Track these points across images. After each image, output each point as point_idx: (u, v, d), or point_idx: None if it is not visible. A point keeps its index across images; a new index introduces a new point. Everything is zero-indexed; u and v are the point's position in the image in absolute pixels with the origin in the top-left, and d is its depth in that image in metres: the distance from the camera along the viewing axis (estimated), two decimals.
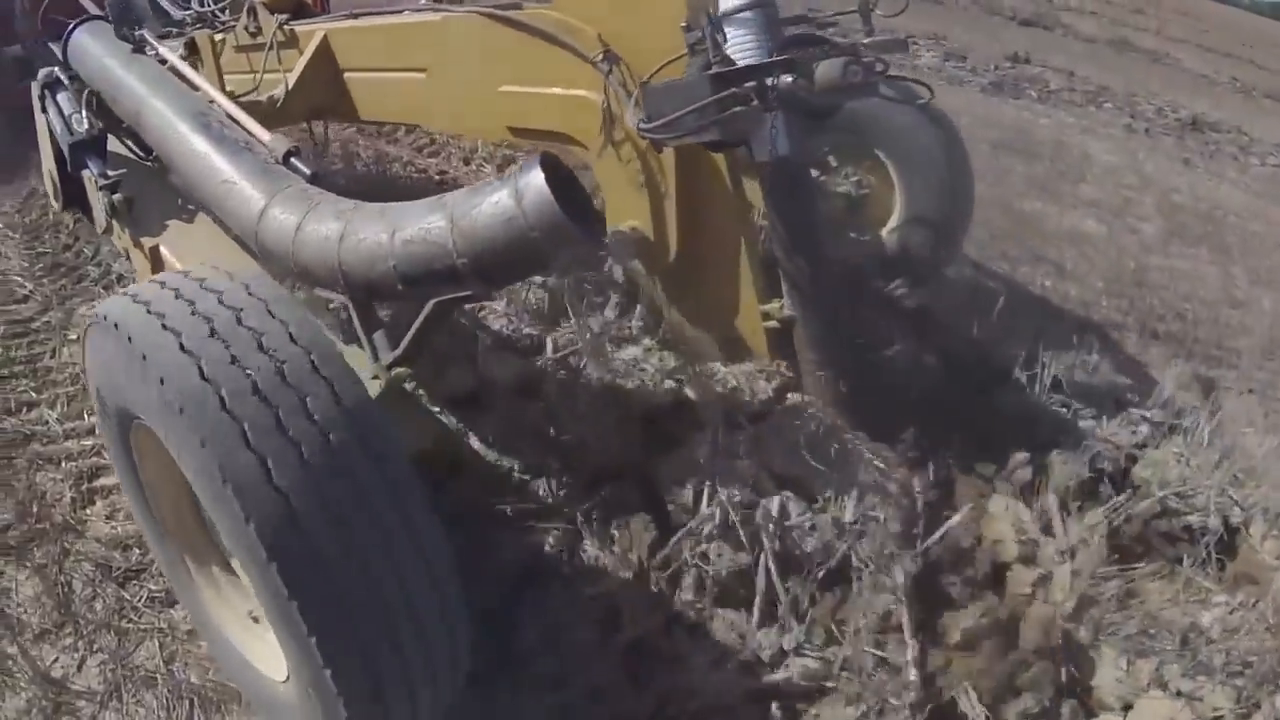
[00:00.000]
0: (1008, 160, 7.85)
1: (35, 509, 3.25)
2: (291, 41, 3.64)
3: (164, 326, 1.70)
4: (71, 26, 3.51)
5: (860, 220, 3.95)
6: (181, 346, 1.65)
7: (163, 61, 3.27)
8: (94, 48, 3.35)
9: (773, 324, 2.75)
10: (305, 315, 1.82)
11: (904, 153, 3.90)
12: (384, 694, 1.68)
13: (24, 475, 3.42)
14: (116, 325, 1.76)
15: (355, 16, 3.48)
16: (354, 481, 1.62)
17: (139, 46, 3.27)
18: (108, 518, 3.20)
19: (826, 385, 2.65)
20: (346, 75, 3.51)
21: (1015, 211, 6.71)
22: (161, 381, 1.62)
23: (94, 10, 3.77)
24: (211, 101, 2.96)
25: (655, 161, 2.68)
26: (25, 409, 3.79)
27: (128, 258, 3.40)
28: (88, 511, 3.24)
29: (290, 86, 3.45)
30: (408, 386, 2.52)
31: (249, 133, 2.74)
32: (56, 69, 3.50)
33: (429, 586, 1.71)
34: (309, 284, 2.39)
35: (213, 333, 1.68)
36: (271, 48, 3.60)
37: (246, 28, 3.79)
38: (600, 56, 2.54)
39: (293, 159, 2.57)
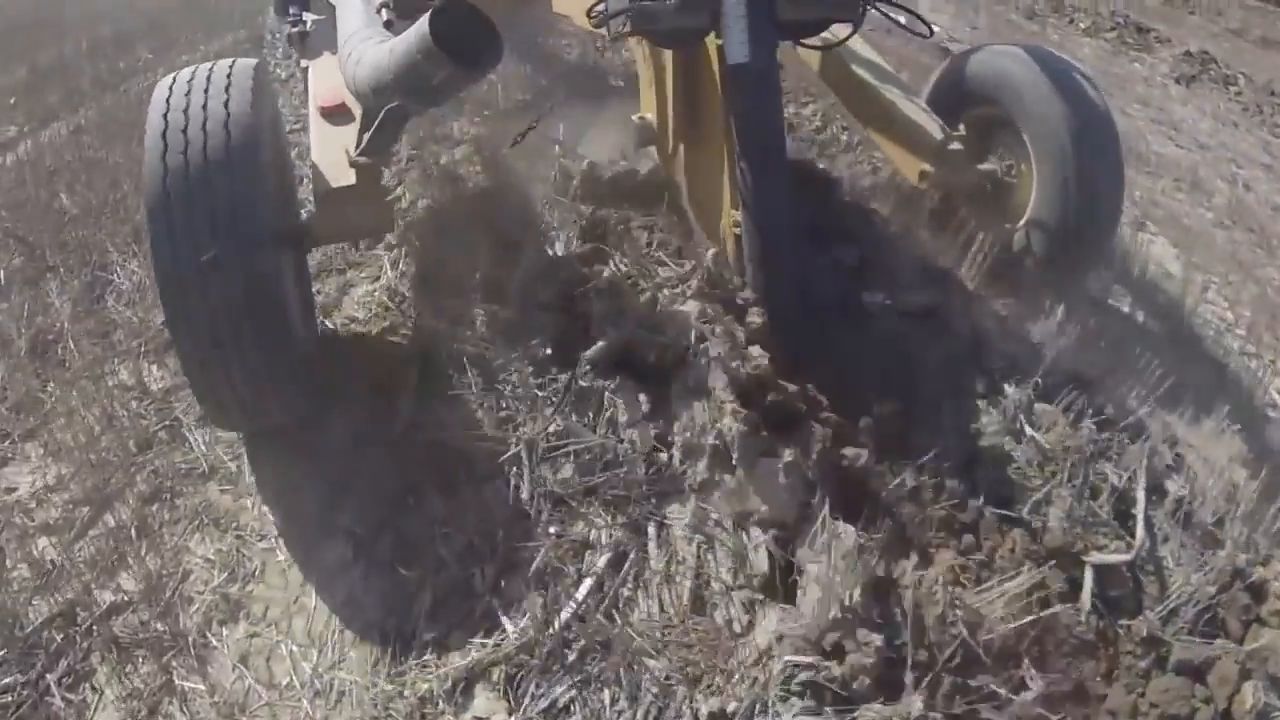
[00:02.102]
0: None
1: (165, 594, 2.35)
2: None
3: (170, 87, 2.42)
4: None
5: (1004, 206, 3.56)
6: (167, 100, 2.37)
7: None
8: None
9: (738, 230, 2.74)
10: (246, 93, 2.40)
11: (1040, 135, 3.37)
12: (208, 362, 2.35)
13: (180, 529, 2.55)
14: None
15: None
16: (214, 201, 2.25)
17: None
18: (239, 660, 2.22)
19: (764, 299, 2.64)
20: None
21: None
22: (149, 114, 2.38)
23: None
24: None
25: (661, 61, 2.99)
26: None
27: None
28: (221, 632, 2.30)
29: None
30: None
31: None
32: None
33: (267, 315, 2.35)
34: (353, 95, 2.95)
35: (186, 102, 2.35)
36: None
37: None
38: None
39: (382, 10, 3.18)
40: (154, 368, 3.15)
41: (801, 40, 2.77)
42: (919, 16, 2.81)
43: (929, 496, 2.32)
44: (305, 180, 3.62)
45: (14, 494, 2.82)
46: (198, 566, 2.45)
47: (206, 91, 2.36)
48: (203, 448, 2.77)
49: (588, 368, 2.37)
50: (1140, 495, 2.38)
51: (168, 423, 2.88)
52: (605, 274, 2.68)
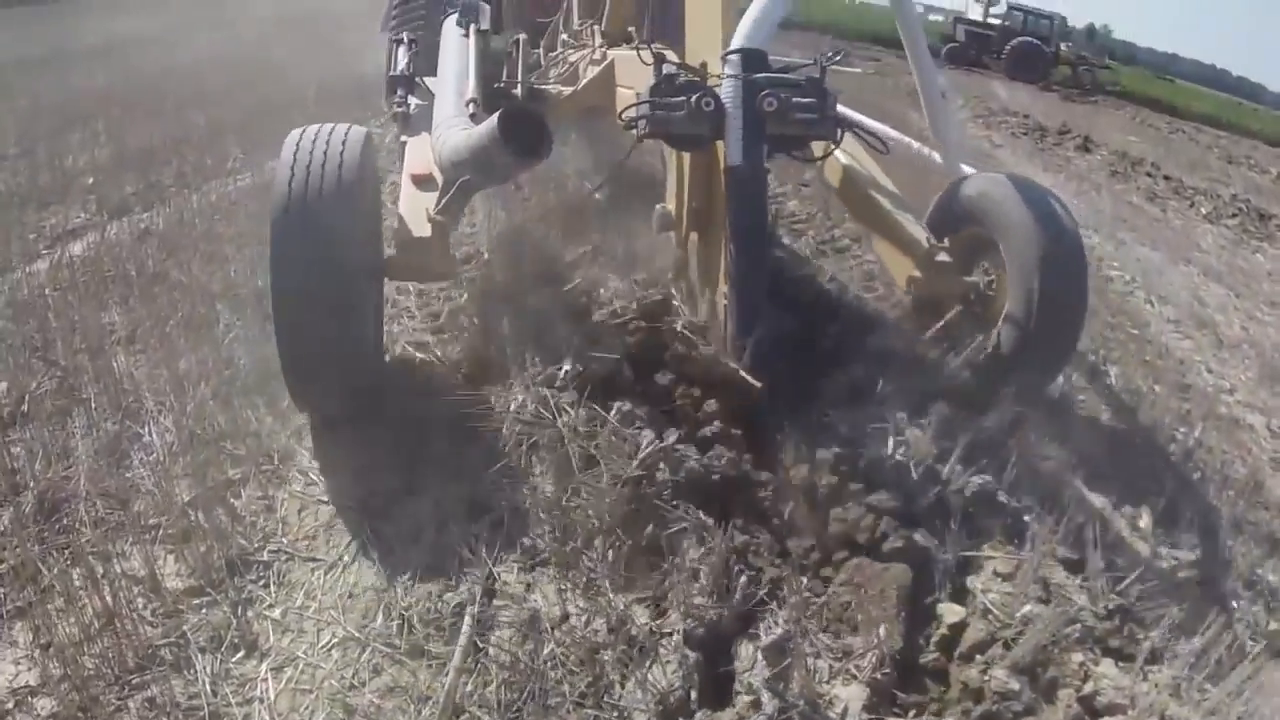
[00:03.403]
0: None
1: None
2: (601, 59, 4.99)
3: (300, 136, 3.18)
4: (447, 13, 5.28)
5: (982, 315, 3.97)
6: (295, 155, 3.09)
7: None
8: (449, 26, 5.08)
9: (726, 302, 3.20)
10: (356, 150, 3.15)
11: (1014, 250, 3.79)
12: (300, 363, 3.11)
13: None
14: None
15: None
16: (322, 229, 2.98)
17: (465, 30, 4.81)
18: None
19: (737, 359, 3.13)
20: (618, 89, 4.49)
21: None
22: (283, 149, 3.14)
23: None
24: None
25: (680, 159, 3.65)
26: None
27: None
28: None
29: (579, 87, 4.96)
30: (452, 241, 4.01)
31: (469, 87, 4.26)
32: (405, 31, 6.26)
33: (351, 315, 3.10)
34: (438, 167, 3.73)
35: (311, 149, 3.10)
36: (587, 59, 5.21)
37: (578, 36, 5.99)
38: None
39: (469, 105, 4.01)
40: (170, 558, 2.80)
41: (790, 152, 3.40)
42: (878, 136, 3.69)
43: None
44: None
45: None
46: None
47: (328, 143, 3.12)
48: (208, 684, 2.39)
49: None
50: None
51: (174, 639, 2.52)
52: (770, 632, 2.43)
